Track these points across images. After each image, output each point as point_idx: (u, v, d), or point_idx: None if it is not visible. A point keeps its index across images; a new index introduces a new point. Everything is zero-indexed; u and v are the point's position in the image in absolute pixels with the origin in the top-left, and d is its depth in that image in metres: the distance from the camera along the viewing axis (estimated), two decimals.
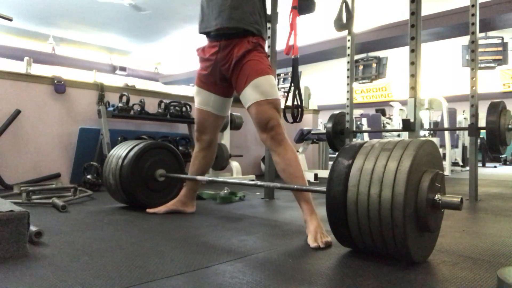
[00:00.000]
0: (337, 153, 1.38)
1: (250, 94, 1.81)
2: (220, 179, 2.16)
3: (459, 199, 1.19)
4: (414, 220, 1.18)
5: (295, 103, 2.50)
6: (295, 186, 1.68)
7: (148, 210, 2.13)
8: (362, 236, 1.24)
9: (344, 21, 3.17)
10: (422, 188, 1.19)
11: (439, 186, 1.23)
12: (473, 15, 2.86)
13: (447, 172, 5.92)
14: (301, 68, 3.17)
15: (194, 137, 2.16)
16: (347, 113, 3.19)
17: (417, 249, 1.21)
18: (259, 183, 1.93)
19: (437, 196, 1.21)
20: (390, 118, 7.91)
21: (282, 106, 1.97)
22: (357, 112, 7.80)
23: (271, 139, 1.77)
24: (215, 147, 2.16)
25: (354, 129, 3.98)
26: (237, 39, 1.85)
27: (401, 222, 1.13)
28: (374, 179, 1.19)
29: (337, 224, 1.30)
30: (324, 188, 1.36)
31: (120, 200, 2.35)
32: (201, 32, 1.99)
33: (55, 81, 3.40)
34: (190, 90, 10.88)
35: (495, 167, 8.88)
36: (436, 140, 6.25)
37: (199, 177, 2.06)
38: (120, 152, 2.27)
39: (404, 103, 4.19)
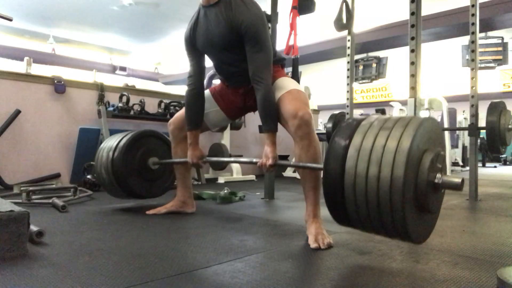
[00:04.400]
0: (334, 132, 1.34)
1: (274, 91, 1.74)
2: (214, 159, 2.12)
3: (459, 179, 1.15)
4: (413, 202, 1.14)
5: None
6: (291, 163, 1.64)
7: (148, 212, 2.12)
8: (360, 219, 1.21)
9: (344, 21, 3.17)
10: (422, 169, 1.14)
11: (440, 166, 1.19)
12: (473, 15, 2.86)
13: (447, 173, 5.91)
14: (301, 68, 3.17)
15: (169, 130, 2.13)
16: (347, 113, 3.20)
17: (416, 231, 1.17)
18: (254, 160, 1.78)
19: (438, 177, 1.17)
20: None
21: None
22: (357, 112, 7.79)
23: (297, 128, 1.60)
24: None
25: None
26: None
27: (400, 205, 1.09)
28: (373, 160, 1.14)
29: (334, 206, 1.26)
30: (321, 166, 1.33)
31: (116, 194, 2.31)
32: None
33: (55, 81, 3.40)
34: None
35: (495, 167, 8.87)
36: None
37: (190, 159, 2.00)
38: (110, 144, 2.24)
39: (404, 103, 4.19)
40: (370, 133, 1.20)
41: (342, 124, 1.33)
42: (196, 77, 1.93)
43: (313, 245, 1.46)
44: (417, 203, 1.16)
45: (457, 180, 1.16)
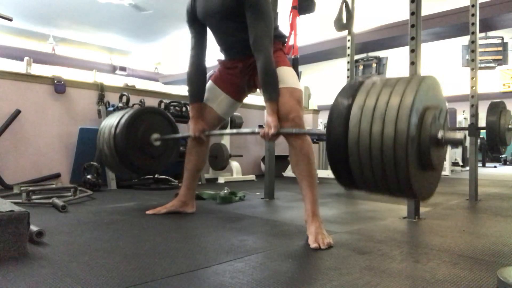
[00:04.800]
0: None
1: None
2: (216, 132, 2.12)
3: (462, 135, 1.16)
4: (417, 158, 1.13)
5: None
6: (294, 131, 1.65)
7: (148, 212, 2.12)
8: (364, 177, 1.19)
9: (344, 21, 3.17)
10: (425, 125, 1.14)
11: (443, 122, 1.19)
12: (473, 15, 2.86)
13: (447, 172, 5.91)
14: (301, 68, 3.18)
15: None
16: None
17: (420, 187, 1.17)
18: (256, 130, 1.79)
19: (440, 133, 1.16)
20: None
21: None
22: None
23: None
24: (209, 144, 2.17)
25: None
26: None
27: (404, 160, 1.08)
28: (376, 117, 1.13)
29: (338, 166, 1.25)
30: (324, 131, 1.32)
31: (119, 171, 2.30)
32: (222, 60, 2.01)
33: (55, 81, 3.40)
34: None
35: (495, 167, 8.88)
36: None
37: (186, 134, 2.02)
38: (112, 121, 2.25)
39: None
40: (373, 91, 1.19)
41: (344, 85, 1.32)
42: (198, 49, 1.95)
43: (313, 245, 1.46)
44: (420, 159, 1.15)
45: (460, 136, 1.16)
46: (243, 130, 1.92)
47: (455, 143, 1.17)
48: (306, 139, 1.69)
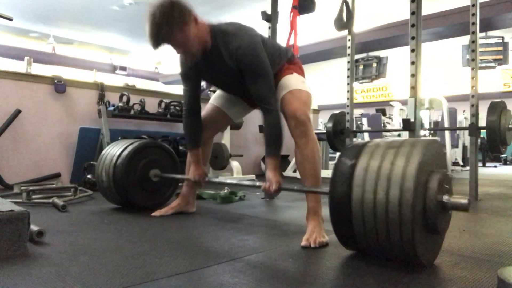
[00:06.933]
0: (339, 154, 1.35)
1: (278, 91, 1.77)
2: (217, 180, 2.14)
3: (466, 200, 1.16)
4: (422, 220, 1.15)
5: None
6: (295, 188, 1.67)
7: (153, 214, 2.08)
8: (366, 237, 1.20)
9: (345, 20, 3.17)
10: (431, 188, 1.15)
11: (447, 187, 1.20)
12: (473, 14, 2.86)
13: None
14: None
15: None
16: (347, 113, 3.19)
17: (424, 251, 1.17)
18: (257, 183, 1.86)
19: (446, 197, 1.18)
20: (390, 118, 7.89)
21: None
22: (357, 112, 7.77)
23: (294, 127, 1.68)
24: (212, 144, 2.17)
25: (354, 128, 3.97)
26: None
27: (409, 220, 1.08)
28: (381, 177, 1.14)
29: (340, 225, 1.26)
30: (327, 190, 1.33)
31: (112, 200, 2.29)
32: None
33: (55, 81, 3.40)
34: None
35: (496, 167, 8.88)
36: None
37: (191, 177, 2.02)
38: (114, 151, 2.23)
39: (404, 102, 4.19)
40: (377, 152, 1.21)
41: (347, 145, 1.36)
42: (193, 102, 1.94)
43: (302, 242, 1.47)
44: (425, 222, 1.16)
45: (464, 201, 1.17)
46: (243, 182, 1.94)
47: (461, 208, 1.18)
48: (311, 138, 1.69)
